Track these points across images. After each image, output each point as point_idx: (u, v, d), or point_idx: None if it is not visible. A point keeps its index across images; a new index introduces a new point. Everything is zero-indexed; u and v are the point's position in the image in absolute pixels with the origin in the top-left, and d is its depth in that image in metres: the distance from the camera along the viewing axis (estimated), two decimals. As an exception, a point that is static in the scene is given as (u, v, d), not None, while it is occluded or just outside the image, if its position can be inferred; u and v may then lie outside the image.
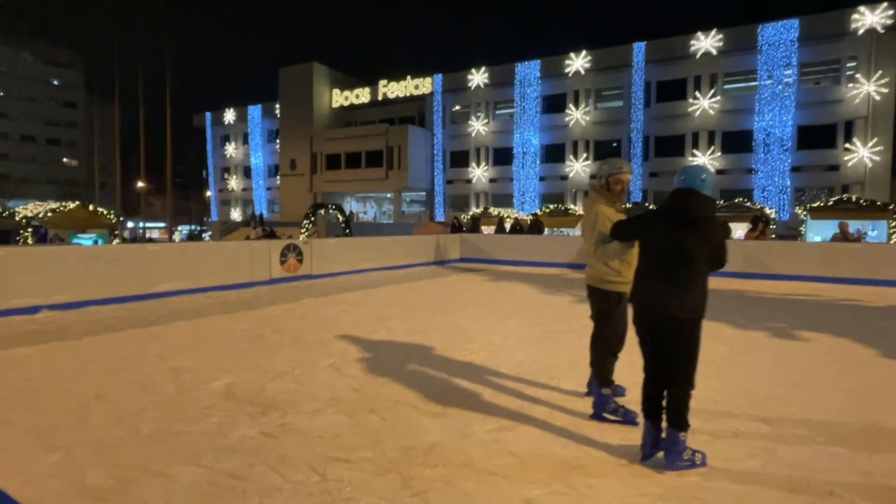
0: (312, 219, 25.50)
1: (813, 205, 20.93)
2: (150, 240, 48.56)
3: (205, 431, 3.27)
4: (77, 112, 71.27)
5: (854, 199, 20.02)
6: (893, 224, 18.72)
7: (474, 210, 32.53)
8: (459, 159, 39.84)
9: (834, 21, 27.75)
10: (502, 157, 37.90)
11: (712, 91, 31.10)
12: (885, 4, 26.56)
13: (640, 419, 3.34)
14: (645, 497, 2.58)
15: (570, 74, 34.72)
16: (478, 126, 38.41)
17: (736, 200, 23.52)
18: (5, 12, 67.56)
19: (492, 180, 38.51)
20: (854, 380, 4.51)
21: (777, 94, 29.10)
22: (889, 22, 26.52)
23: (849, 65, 28.19)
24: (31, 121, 67.68)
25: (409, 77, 40.51)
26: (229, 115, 51.61)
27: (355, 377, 4.43)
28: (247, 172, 51.43)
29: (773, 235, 20.43)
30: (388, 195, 43.58)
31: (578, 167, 35.16)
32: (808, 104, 28.70)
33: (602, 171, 3.62)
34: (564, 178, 35.76)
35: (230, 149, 52.53)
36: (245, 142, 51.24)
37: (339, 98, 44.06)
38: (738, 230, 19.18)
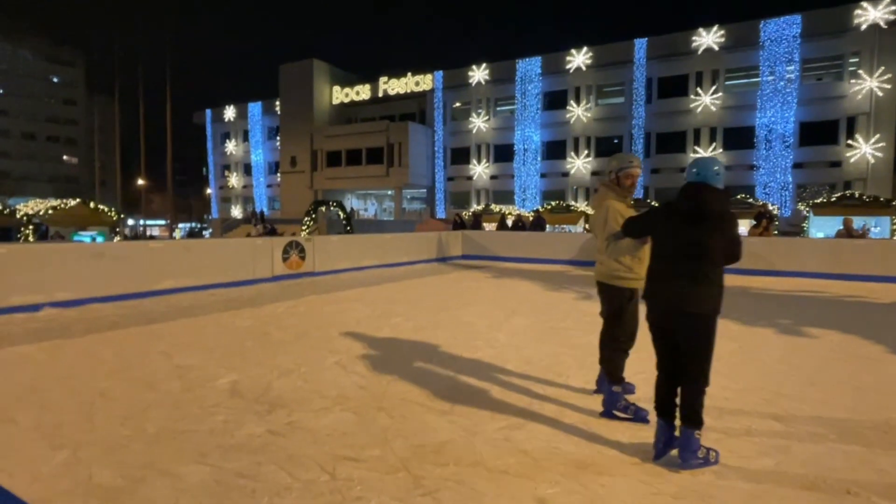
0: (314, 216, 25.45)
1: (816, 201, 20.86)
2: (152, 237, 48.51)
3: (211, 430, 3.23)
4: (77, 109, 71.22)
5: (857, 195, 19.96)
6: (896, 220, 18.67)
7: (475, 207, 32.48)
8: (460, 156, 39.77)
9: (836, 16, 27.63)
10: (503, 153, 37.84)
11: (714, 87, 31.01)
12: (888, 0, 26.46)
13: (651, 417, 3.32)
14: (659, 496, 2.55)
15: (571, 71, 34.62)
16: (479, 123, 38.33)
17: (738, 197, 23.46)
18: (5, 10, 67.46)
19: (493, 177, 38.45)
20: (865, 376, 4.47)
21: (779, 90, 29.01)
22: (892, 17, 26.40)
23: (851, 60, 28.09)
24: (31, 118, 67.62)
25: (409, 73, 40.43)
26: (229, 112, 51.50)
27: (361, 375, 4.39)
28: (247, 170, 51.36)
29: (776, 232, 20.38)
30: (389, 192, 43.52)
31: (579, 164, 35.09)
32: (811, 100, 28.61)
33: (611, 166, 3.57)
34: (565, 174, 35.69)
35: (230, 146, 52.44)
36: (245, 139, 51.16)
37: (340, 95, 43.97)
38: (742, 227, 19.12)
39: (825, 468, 2.81)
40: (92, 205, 21.99)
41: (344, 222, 25.54)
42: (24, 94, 66.43)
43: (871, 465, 2.85)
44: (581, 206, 27.80)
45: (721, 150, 30.87)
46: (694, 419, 2.76)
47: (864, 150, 27.48)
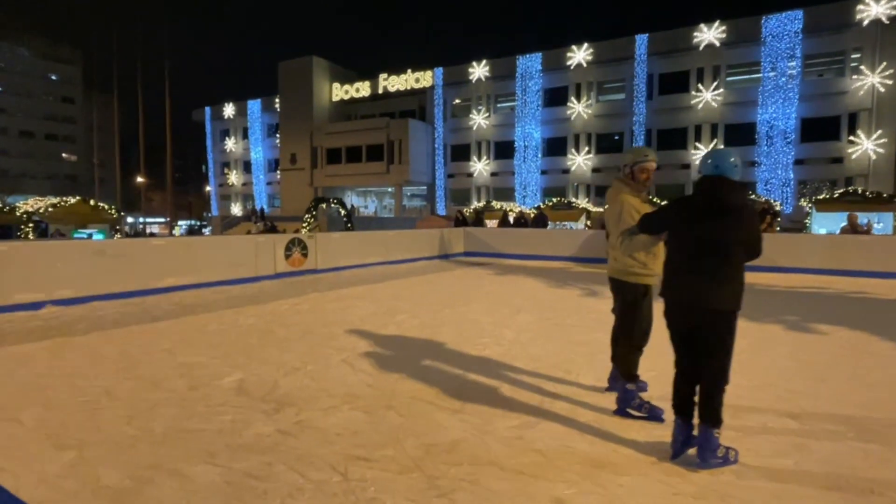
0: (314, 213, 25.37)
1: (818, 197, 20.80)
2: (152, 235, 48.47)
3: (219, 429, 3.18)
4: (75, 107, 70.98)
5: (860, 191, 19.90)
6: (899, 216, 18.61)
7: (476, 204, 32.41)
8: (460, 153, 39.66)
9: (838, 12, 27.52)
10: (503, 150, 37.74)
11: (715, 83, 30.92)
12: (891, -5, 26.36)
13: (667, 415, 3.27)
14: (679, 496, 2.50)
15: (571, 67, 34.51)
16: (479, 119, 38.21)
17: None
18: (3, 7, 67.15)
19: (493, 174, 38.36)
20: (877, 373, 4.42)
21: (780, 86, 28.92)
22: (894, 12, 26.30)
23: (853, 56, 28.00)
24: (29, 116, 67.37)
25: (409, 70, 40.28)
26: (229, 110, 51.34)
27: (369, 373, 4.34)
28: (247, 167, 51.24)
29: (778, 228, 20.33)
30: (389, 189, 43.43)
31: (580, 161, 35.01)
32: (812, 96, 28.52)
33: (626, 160, 3.50)
34: (566, 171, 35.61)
35: (230, 143, 52.30)
36: (245, 136, 51.01)
37: (339, 92, 43.83)
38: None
39: (846, 467, 2.76)
40: (92, 202, 21.91)
41: (345, 219, 25.48)
42: (22, 92, 66.19)
43: (893, 464, 2.80)
44: (582, 202, 27.71)
45: (722, 147, 30.76)
46: (713, 417, 2.71)
47: (865, 146, 27.41)
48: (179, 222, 64.21)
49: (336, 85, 44.01)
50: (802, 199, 23.45)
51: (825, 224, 19.74)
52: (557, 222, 24.75)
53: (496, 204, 27.62)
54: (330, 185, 42.47)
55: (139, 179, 48.60)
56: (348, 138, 40.96)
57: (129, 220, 56.59)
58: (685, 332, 2.80)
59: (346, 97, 43.65)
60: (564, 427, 3.26)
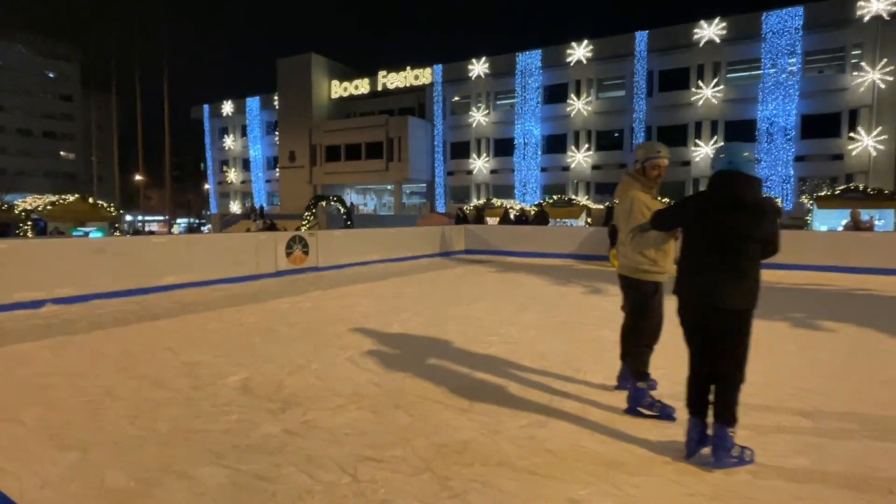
0: (314, 211, 25.30)
1: (819, 194, 20.76)
2: (151, 233, 48.32)
3: (225, 429, 3.13)
4: (73, 105, 70.68)
5: (861, 187, 19.87)
6: (900, 213, 18.57)
7: (475, 201, 32.34)
8: (460, 150, 39.55)
9: (839, 8, 27.43)
10: (503, 147, 37.63)
11: (715, 80, 30.82)
12: (892, -9, 26.28)
13: (679, 414, 3.22)
14: (695, 497, 2.45)
15: (571, 64, 34.39)
16: (478, 117, 38.10)
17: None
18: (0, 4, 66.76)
19: (493, 171, 38.26)
20: (889, 370, 4.38)
21: (781, 82, 28.84)
22: (895, 9, 26.21)
23: (853, 52, 27.91)
24: (27, 114, 67.05)
25: (408, 67, 40.12)
26: (227, 107, 51.15)
27: (375, 371, 4.29)
28: (245, 165, 51.08)
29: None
30: (389, 187, 43.32)
31: (580, 158, 34.92)
32: (812, 93, 28.45)
33: (638, 156, 3.44)
34: (566, 168, 35.52)
35: (228, 141, 52.13)
36: (243, 134, 50.84)
37: (338, 89, 43.66)
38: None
39: (865, 467, 2.71)
40: (91, 200, 21.82)
41: (344, 217, 25.41)
42: (19, 90, 65.87)
43: (910, 463, 2.76)
44: (582, 199, 27.65)
45: (722, 144, 30.62)
46: (728, 416, 2.66)
47: (865, 142, 27.35)
48: (178, 220, 64.07)
49: (335, 82, 43.85)
50: (803, 196, 23.42)
51: (826, 221, 19.72)
52: (558, 219, 24.71)
53: (496, 201, 27.55)
54: (329, 182, 42.35)
55: (138, 177, 48.42)
56: (347, 136, 40.83)
57: (128, 218, 56.51)
58: (699, 330, 2.75)
59: (346, 94, 43.49)
60: (575, 426, 3.22)
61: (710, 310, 2.65)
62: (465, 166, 39.27)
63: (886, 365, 4.55)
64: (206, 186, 56.66)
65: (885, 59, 26.69)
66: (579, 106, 34.58)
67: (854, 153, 27.79)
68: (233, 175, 52.28)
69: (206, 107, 53.38)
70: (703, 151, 31.05)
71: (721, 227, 2.64)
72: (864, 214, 14.08)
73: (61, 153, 70.66)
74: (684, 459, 2.78)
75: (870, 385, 4.01)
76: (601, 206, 24.20)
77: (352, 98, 43.71)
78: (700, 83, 31.21)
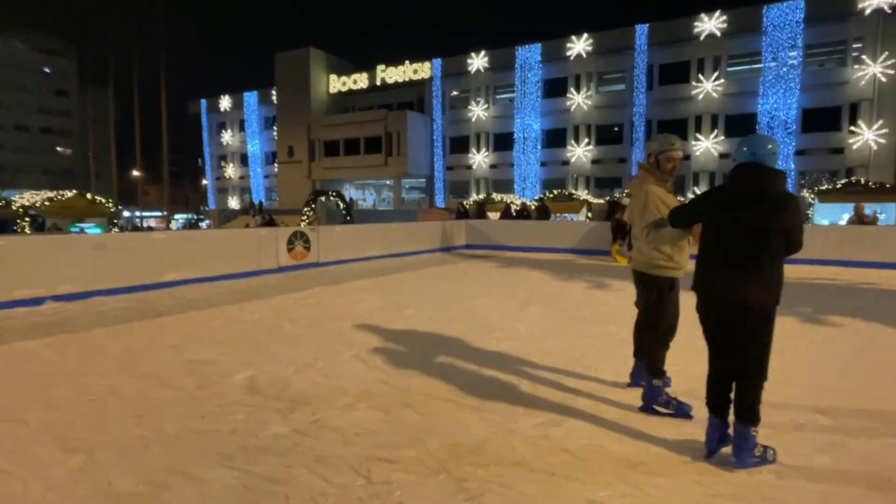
0: (313, 206, 25.19)
1: (821, 188, 20.71)
2: (150, 228, 48.09)
3: (233, 430, 3.06)
4: (70, 100, 70.28)
5: (862, 181, 19.81)
6: (902, 206, 18.54)
7: (475, 196, 32.22)
8: (459, 145, 39.39)
9: (840, 1, 27.29)
10: (503, 142, 37.47)
11: (716, 74, 30.69)
12: (893, -16, 26.13)
13: (697, 412, 3.16)
14: (718, 498, 2.40)
15: (571, 58, 34.21)
16: (478, 111, 37.93)
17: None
18: (-6, -1, 66.16)
19: (492, 166, 38.12)
20: (902, 367, 4.33)
21: (781, 76, 28.72)
22: (896, 2, 26.10)
23: (854, 46, 27.79)
24: (23, 110, 66.69)
25: (407, 62, 39.90)
26: (225, 102, 50.85)
27: (382, 369, 4.22)
28: (244, 160, 50.82)
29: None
30: (388, 182, 43.17)
31: (580, 152, 34.80)
32: (813, 86, 28.34)
33: (651, 149, 3.37)
34: (566, 163, 35.40)
35: (227, 136, 51.85)
36: (242, 129, 50.56)
37: (337, 84, 43.42)
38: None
39: (888, 466, 2.66)
40: (89, 196, 21.69)
41: (343, 212, 25.30)
42: (16, 86, 65.45)
43: (934, 462, 2.71)
44: (582, 194, 27.58)
45: (723, 138, 30.65)
46: (751, 415, 2.60)
47: (866, 136, 27.28)
48: (176, 216, 63.82)
49: (333, 76, 43.59)
50: (804, 190, 23.36)
51: (827, 215, 19.69)
52: (558, 214, 24.66)
53: (496, 196, 27.46)
54: (328, 177, 42.17)
55: (135, 173, 48.19)
56: (346, 130, 40.64)
57: (126, 213, 56.26)
58: (720, 328, 2.68)
59: (344, 89, 43.25)
60: (591, 425, 3.16)
61: (733, 307, 2.58)
62: (464, 161, 39.12)
63: (900, 360, 4.50)
64: (204, 182, 56.40)
65: (887, 53, 26.57)
66: (579, 100, 34.43)
67: (855, 147, 27.72)
68: (231, 170, 52.04)
69: (203, 101, 53.03)
70: (704, 145, 30.97)
71: (742, 219, 2.57)
72: (868, 208, 14.03)
73: (58, 149, 70.32)
74: (704, 459, 2.73)
75: (884, 381, 3.96)
76: (602, 201, 24.15)
77: (350, 92, 43.46)
78: (700, 77, 31.07)
